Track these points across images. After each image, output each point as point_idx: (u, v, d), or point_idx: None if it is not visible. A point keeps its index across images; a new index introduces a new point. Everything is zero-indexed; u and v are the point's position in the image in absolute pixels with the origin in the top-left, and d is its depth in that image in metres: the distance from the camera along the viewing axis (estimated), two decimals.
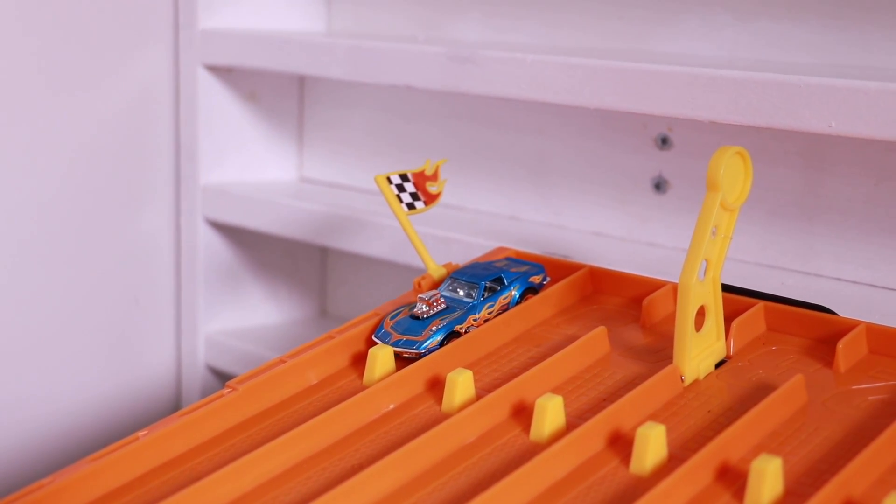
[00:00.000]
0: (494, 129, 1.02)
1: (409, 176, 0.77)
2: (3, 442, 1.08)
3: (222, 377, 1.15)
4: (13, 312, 1.07)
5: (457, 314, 0.71)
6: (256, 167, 1.16)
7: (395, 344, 0.69)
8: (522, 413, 0.63)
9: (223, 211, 1.11)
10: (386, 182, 0.76)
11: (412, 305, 0.72)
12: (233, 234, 1.14)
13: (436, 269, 0.76)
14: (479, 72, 0.88)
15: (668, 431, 0.58)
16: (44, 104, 1.06)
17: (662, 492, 0.53)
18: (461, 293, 0.73)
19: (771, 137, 0.85)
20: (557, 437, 0.60)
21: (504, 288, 0.73)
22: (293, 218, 1.05)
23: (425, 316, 0.70)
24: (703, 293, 0.64)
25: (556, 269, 0.78)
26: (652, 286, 0.74)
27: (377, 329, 0.71)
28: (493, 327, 0.71)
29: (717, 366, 0.66)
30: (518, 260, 0.78)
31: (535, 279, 0.75)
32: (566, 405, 0.61)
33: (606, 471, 0.57)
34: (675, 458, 0.57)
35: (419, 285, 0.76)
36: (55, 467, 1.09)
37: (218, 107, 1.12)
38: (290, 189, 1.13)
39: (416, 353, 0.68)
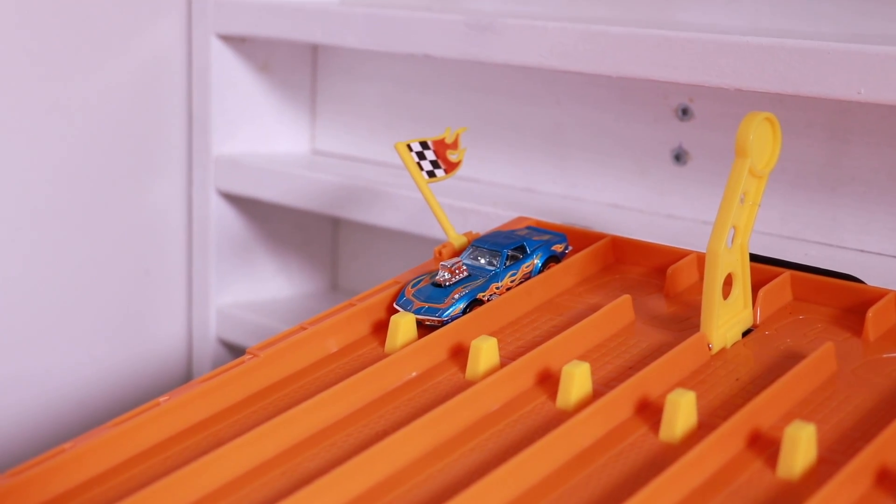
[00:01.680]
0: (510, 100, 1.01)
1: (430, 144, 0.76)
2: (13, 415, 1.08)
3: (233, 350, 1.15)
4: (24, 284, 1.07)
5: (479, 282, 0.70)
6: (269, 139, 1.15)
7: (417, 311, 0.68)
8: (548, 381, 0.62)
9: (235, 182, 1.10)
10: (406, 149, 0.75)
11: (434, 273, 0.71)
12: (245, 205, 1.14)
13: (457, 238, 0.75)
14: (498, 40, 0.87)
15: (697, 399, 0.57)
16: (56, 73, 1.05)
17: (694, 458, 0.52)
18: (483, 261, 0.72)
19: (795, 108, 0.84)
20: (584, 404, 0.59)
21: (526, 256, 0.72)
22: (307, 189, 1.05)
23: (447, 284, 0.69)
24: (731, 261, 0.64)
25: (578, 238, 0.77)
26: (675, 255, 0.74)
27: (398, 297, 0.70)
28: (515, 295, 0.70)
29: (744, 334, 0.65)
30: (540, 229, 0.77)
31: (558, 248, 0.74)
32: (592, 373, 0.61)
33: (635, 438, 0.56)
34: (705, 426, 0.56)
35: (440, 253, 0.75)
36: (64, 440, 1.08)
37: (231, 77, 1.11)
38: (302, 160, 1.12)
39: (439, 321, 0.68)
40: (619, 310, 0.67)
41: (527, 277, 0.72)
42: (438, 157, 0.76)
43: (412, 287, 0.70)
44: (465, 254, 0.73)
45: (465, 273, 0.70)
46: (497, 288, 0.70)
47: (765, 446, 0.55)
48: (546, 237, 0.74)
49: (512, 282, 0.71)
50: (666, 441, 0.56)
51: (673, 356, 0.61)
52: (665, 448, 0.55)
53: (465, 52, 0.90)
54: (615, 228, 0.86)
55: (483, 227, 0.87)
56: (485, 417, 0.59)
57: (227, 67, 1.10)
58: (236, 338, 1.12)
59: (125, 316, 1.13)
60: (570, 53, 0.83)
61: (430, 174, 0.76)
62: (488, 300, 0.69)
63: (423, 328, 0.68)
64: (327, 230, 1.20)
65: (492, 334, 0.66)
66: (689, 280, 0.72)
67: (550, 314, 0.70)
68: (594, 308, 0.68)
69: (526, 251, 0.72)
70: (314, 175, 1.05)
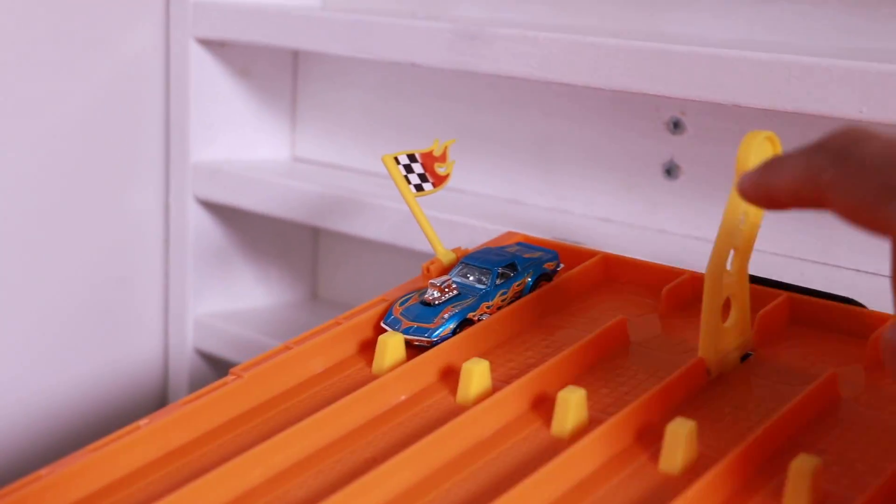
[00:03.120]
0: (498, 111, 0.99)
1: (417, 156, 0.74)
2: None
3: (210, 361, 1.12)
4: None
5: (469, 301, 0.68)
6: (248, 146, 1.13)
7: (405, 331, 0.66)
8: (542, 405, 0.60)
9: (214, 190, 1.08)
10: (394, 162, 0.73)
11: (422, 291, 0.69)
12: (223, 213, 1.11)
13: (445, 254, 0.73)
14: (487, 50, 0.85)
15: (698, 428, 0.55)
16: (31, 77, 1.02)
17: (697, 492, 0.51)
18: (473, 279, 0.70)
19: (790, 124, 0.82)
20: (581, 432, 0.57)
21: (517, 274, 0.70)
22: (287, 198, 1.02)
23: (437, 302, 0.67)
24: (730, 283, 0.62)
25: (569, 255, 0.75)
26: (669, 274, 0.72)
27: (386, 315, 0.68)
28: (507, 315, 0.68)
29: (743, 359, 0.64)
30: (530, 245, 0.75)
31: (549, 265, 0.72)
32: (588, 398, 0.59)
33: (635, 467, 0.55)
34: (705, 457, 0.55)
35: (428, 270, 0.73)
36: (38, 451, 1.06)
37: (209, 82, 1.09)
38: (282, 168, 1.10)
39: (428, 342, 0.65)
40: (614, 332, 0.66)
41: (518, 296, 0.70)
42: (426, 171, 0.74)
43: (400, 305, 0.68)
44: (454, 271, 0.71)
45: (455, 291, 0.68)
46: (488, 307, 0.68)
47: (767, 478, 0.53)
48: (537, 254, 0.73)
49: (503, 300, 0.69)
50: (665, 472, 0.54)
51: (671, 382, 0.59)
52: (665, 479, 0.54)
53: (451, 62, 0.88)
54: (604, 243, 0.84)
55: (469, 240, 0.85)
56: (477, 444, 0.57)
57: (205, 72, 1.08)
58: (214, 348, 1.10)
59: (100, 325, 1.10)
60: (560, 65, 0.82)
61: (418, 188, 0.74)
62: (478, 320, 0.67)
63: (412, 348, 0.66)
64: (307, 239, 1.18)
65: (482, 355, 0.64)
66: (685, 300, 0.70)
67: (542, 334, 0.68)
68: (588, 328, 0.67)
69: (517, 269, 0.71)
70: (294, 183, 1.02)
